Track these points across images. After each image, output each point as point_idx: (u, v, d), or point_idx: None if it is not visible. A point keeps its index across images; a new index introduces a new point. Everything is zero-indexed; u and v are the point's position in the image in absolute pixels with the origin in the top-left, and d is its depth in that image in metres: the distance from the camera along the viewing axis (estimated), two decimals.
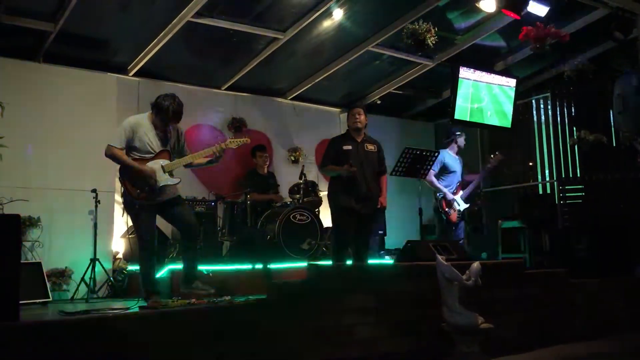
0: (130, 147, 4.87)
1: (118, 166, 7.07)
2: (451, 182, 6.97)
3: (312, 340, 3.82)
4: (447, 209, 6.83)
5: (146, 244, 4.87)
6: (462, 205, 6.87)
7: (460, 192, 6.89)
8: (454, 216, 6.83)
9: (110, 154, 4.85)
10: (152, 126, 4.93)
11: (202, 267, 5.92)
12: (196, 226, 5.12)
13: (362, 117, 5.68)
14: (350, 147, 5.60)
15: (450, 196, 6.83)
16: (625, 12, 6.79)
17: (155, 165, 4.87)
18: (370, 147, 5.71)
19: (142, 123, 4.91)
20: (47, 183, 6.60)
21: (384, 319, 4.17)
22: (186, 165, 5.15)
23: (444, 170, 6.97)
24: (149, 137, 4.89)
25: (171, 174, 4.95)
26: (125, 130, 4.86)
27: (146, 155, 4.88)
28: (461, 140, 7.25)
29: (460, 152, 7.32)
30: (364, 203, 5.52)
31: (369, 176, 5.59)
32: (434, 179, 6.85)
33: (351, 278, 4.22)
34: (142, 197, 4.81)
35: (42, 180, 6.58)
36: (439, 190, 6.85)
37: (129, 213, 5.05)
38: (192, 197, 7.06)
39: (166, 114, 4.82)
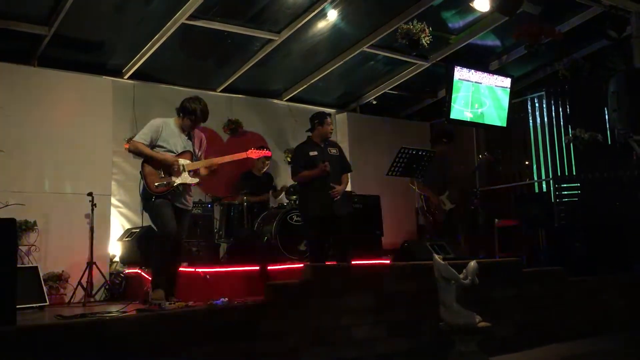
0: (154, 146, 5.01)
1: (114, 170, 7.18)
2: (435, 183, 6.91)
3: (310, 341, 3.82)
4: (432, 210, 6.80)
5: (165, 237, 4.88)
6: (448, 205, 6.84)
7: (446, 193, 6.86)
8: (439, 216, 6.80)
9: (134, 148, 5.01)
10: (179, 130, 5.10)
11: (199, 269, 5.93)
12: (182, 246, 5.26)
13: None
14: (316, 153, 5.72)
15: (435, 197, 6.79)
16: (619, 11, 6.82)
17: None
18: (333, 151, 5.83)
19: (169, 125, 5.09)
20: (43, 187, 6.58)
21: (382, 319, 4.17)
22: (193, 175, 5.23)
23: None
24: (174, 139, 5.05)
25: (191, 174, 5.07)
26: (151, 129, 5.03)
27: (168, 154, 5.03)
28: (446, 149, 7.16)
29: (447, 154, 7.25)
30: (334, 207, 5.56)
31: (335, 179, 5.68)
32: (418, 182, 6.77)
33: (348, 279, 4.22)
34: (159, 190, 4.89)
35: (38, 184, 6.55)
36: (423, 192, 6.79)
37: (146, 209, 5.16)
38: None
39: (194, 114, 5.02)
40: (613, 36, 6.89)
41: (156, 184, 4.90)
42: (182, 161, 5.01)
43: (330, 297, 4.00)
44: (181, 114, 5.07)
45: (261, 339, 3.65)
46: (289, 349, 3.74)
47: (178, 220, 4.99)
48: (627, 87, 6.46)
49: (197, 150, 5.20)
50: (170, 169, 4.94)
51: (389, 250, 7.85)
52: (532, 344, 4.81)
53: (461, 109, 7.55)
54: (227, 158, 5.25)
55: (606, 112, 7.70)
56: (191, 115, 5.02)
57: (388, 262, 6.86)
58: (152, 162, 4.97)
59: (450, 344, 4.16)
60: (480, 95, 7.73)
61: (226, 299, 4.41)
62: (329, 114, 5.92)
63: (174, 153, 5.02)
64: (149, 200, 4.96)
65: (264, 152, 5.59)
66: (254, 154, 5.40)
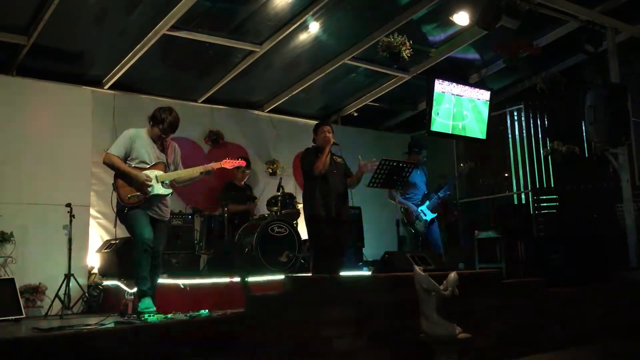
0: (127, 157, 4.98)
1: (93, 180, 7.11)
2: (414, 195, 6.95)
3: (291, 352, 3.80)
4: (412, 221, 6.82)
5: (143, 243, 4.83)
6: (429, 215, 6.87)
7: (427, 202, 6.89)
8: (420, 226, 6.83)
9: (109, 162, 4.96)
10: (151, 140, 5.08)
11: (179, 281, 5.89)
12: (161, 257, 5.19)
13: (332, 131, 5.89)
14: None
15: (414, 208, 6.82)
16: (595, 25, 6.96)
17: (150, 174, 4.97)
18: (339, 160, 5.85)
19: (142, 136, 5.07)
20: (20, 198, 6.49)
21: (363, 330, 4.17)
22: (178, 182, 5.22)
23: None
24: (146, 150, 5.03)
25: (164, 185, 5.03)
26: (124, 140, 5.01)
27: (140, 165, 4.99)
28: (419, 158, 7.17)
29: (424, 165, 7.28)
30: (336, 210, 5.61)
31: (339, 186, 5.74)
32: (397, 195, 6.78)
33: (329, 290, 4.22)
34: (131, 201, 4.88)
35: (15, 194, 6.47)
36: (402, 205, 6.81)
37: (122, 221, 5.09)
38: None
39: (162, 124, 5.00)
40: (590, 50, 7.02)
41: (129, 195, 4.89)
42: (155, 172, 4.99)
43: (311, 308, 3.99)
44: (151, 122, 5.06)
45: (241, 350, 3.63)
46: None
47: (154, 231, 4.95)
48: (603, 100, 6.59)
49: (170, 161, 5.17)
50: (141, 188, 4.89)
51: (369, 262, 7.86)
52: (512, 355, 4.84)
53: (443, 122, 7.60)
54: (201, 168, 5.18)
55: (583, 125, 7.84)
56: (159, 125, 5.00)
57: (369, 273, 6.86)
58: (124, 176, 4.94)
59: (431, 354, 4.17)
60: (462, 108, 7.78)
61: (206, 311, 4.39)
62: (325, 123, 6.02)
63: (147, 164, 4.99)
64: (122, 211, 4.95)
65: (239, 162, 5.53)
66: (227, 164, 5.38)
